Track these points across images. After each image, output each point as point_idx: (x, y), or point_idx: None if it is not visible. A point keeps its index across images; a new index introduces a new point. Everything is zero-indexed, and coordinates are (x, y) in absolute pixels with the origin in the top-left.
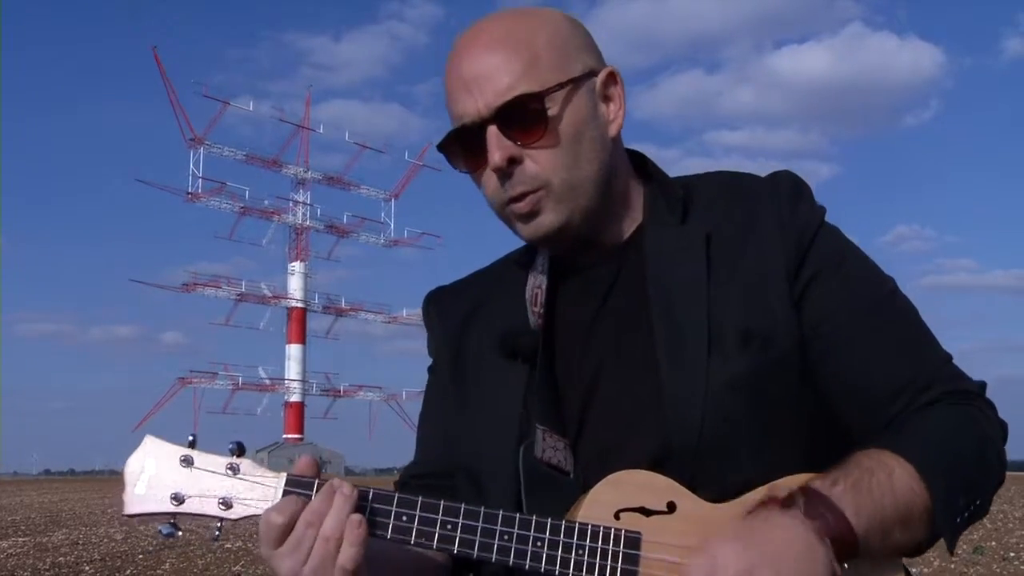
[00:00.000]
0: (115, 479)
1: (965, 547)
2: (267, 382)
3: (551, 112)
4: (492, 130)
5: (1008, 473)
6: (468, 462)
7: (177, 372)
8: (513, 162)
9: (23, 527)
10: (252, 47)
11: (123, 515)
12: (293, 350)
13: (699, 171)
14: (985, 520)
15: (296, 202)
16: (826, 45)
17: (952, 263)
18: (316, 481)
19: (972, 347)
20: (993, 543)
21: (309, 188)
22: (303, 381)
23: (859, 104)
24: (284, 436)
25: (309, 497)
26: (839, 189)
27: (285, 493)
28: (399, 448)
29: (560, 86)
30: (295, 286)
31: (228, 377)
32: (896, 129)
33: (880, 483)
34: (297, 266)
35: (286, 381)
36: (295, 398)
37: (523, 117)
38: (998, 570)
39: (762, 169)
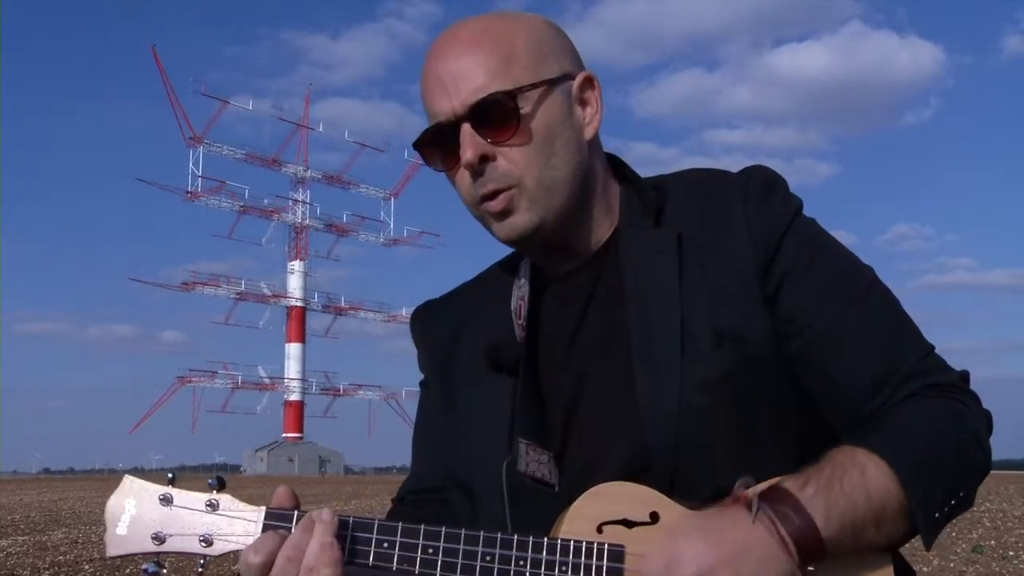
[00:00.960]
0: (115, 478)
1: (964, 546)
2: (267, 381)
3: (524, 111)
4: (465, 127)
5: (1007, 472)
6: (460, 476)
7: (176, 371)
8: (485, 159)
9: (22, 526)
10: (249, 45)
11: (106, 557)
12: (293, 349)
13: (702, 167)
14: (984, 519)
15: (296, 201)
16: (825, 43)
17: (952, 262)
18: (296, 512)
19: (971, 346)
20: (992, 542)
21: (308, 187)
22: (303, 380)
23: (858, 103)
24: (284, 435)
25: (288, 530)
26: (838, 188)
27: (265, 527)
28: (398, 447)
29: (534, 86)
30: (294, 285)
31: (227, 376)
32: (896, 128)
33: (852, 482)
34: (296, 265)
35: (285, 380)
36: (295, 397)
37: (496, 115)
38: (997, 569)
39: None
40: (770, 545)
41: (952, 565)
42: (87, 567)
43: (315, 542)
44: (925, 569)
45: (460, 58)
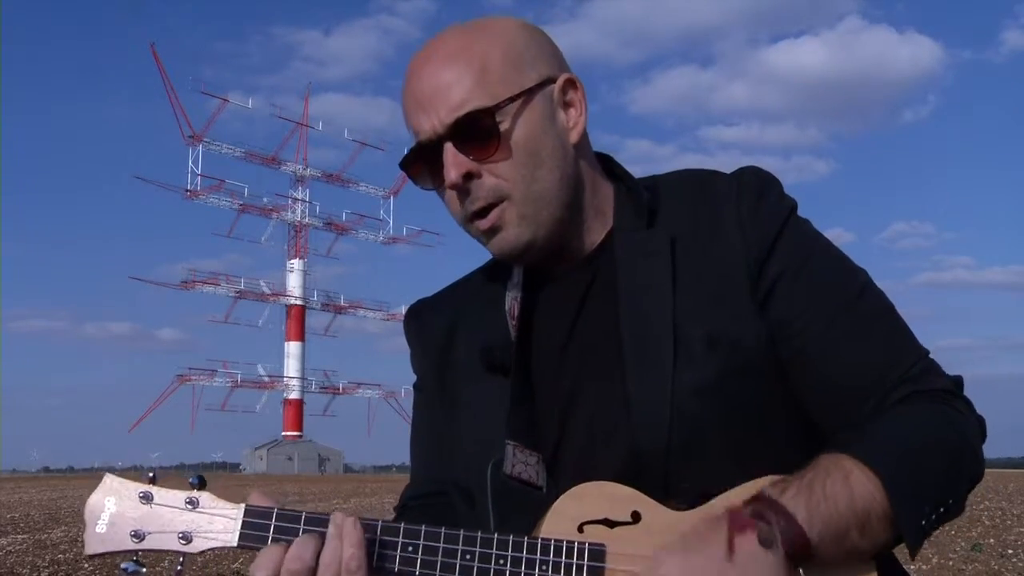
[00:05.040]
0: None
1: (963, 544)
2: (266, 379)
3: (505, 126)
4: (448, 147)
5: (1006, 471)
6: (459, 479)
7: (175, 369)
8: (471, 177)
9: (22, 524)
10: (241, 42)
11: (85, 555)
12: (292, 347)
13: (695, 168)
14: (983, 517)
15: (295, 199)
16: (823, 39)
17: (950, 260)
18: (275, 509)
19: (970, 344)
20: (992, 540)
21: (308, 185)
22: (302, 378)
23: (856, 99)
24: (283, 433)
25: (268, 529)
26: (837, 185)
27: (244, 524)
28: (398, 445)
29: (512, 99)
30: (294, 283)
31: (227, 374)
32: (894, 125)
33: (835, 486)
34: (296, 263)
35: (285, 378)
36: (294, 395)
37: (477, 133)
38: (996, 567)
39: (759, 165)
40: (755, 548)
41: (951, 563)
42: (86, 565)
43: (330, 543)
44: (924, 567)
45: (436, 76)
